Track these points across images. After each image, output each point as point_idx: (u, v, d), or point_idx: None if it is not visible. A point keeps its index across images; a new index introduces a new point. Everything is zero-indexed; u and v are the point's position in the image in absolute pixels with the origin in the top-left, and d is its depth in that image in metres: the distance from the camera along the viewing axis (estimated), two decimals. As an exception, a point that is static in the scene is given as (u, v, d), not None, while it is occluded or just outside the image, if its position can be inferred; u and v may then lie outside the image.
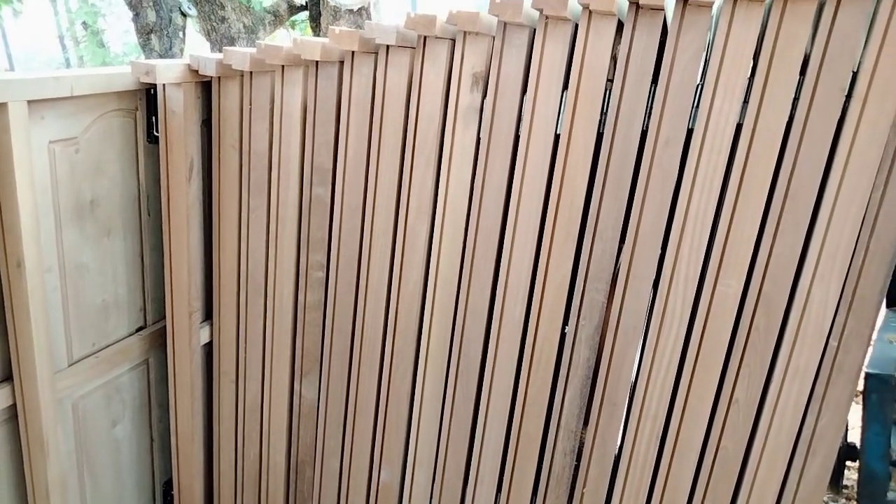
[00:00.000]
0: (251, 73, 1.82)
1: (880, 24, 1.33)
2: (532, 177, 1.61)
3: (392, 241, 1.79)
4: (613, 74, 1.51)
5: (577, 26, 1.52)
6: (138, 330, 2.00)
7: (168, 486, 2.19)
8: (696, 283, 1.53)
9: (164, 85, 1.82)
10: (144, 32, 4.50)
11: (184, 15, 4.63)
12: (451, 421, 1.82)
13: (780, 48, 1.38)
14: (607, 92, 1.52)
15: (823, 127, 1.40)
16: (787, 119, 1.42)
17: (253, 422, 2.07)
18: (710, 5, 1.41)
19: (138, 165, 1.91)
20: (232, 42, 4.73)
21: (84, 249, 1.78)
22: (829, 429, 1.52)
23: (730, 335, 1.54)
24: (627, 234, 1.56)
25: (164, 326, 2.01)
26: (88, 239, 1.79)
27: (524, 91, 1.59)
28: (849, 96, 1.38)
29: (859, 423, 1.72)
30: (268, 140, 1.86)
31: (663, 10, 1.46)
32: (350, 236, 1.83)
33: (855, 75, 1.38)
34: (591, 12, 1.48)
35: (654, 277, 1.57)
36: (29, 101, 1.54)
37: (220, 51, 2.03)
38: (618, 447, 1.70)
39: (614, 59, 1.52)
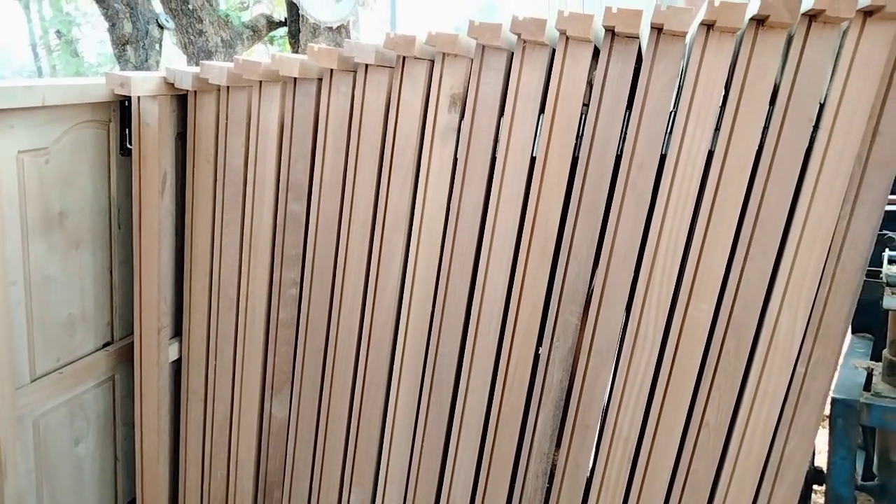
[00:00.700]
0: (228, 87, 1.81)
1: (845, 58, 1.37)
2: (508, 197, 1.62)
3: (367, 258, 1.78)
4: (589, 99, 1.54)
5: (554, 51, 1.55)
6: (105, 345, 1.95)
7: (131, 506, 2.13)
8: (669, 307, 1.55)
9: (138, 97, 1.79)
10: (120, 43, 4.46)
11: (161, 27, 4.60)
12: (423, 441, 1.81)
13: (751, 78, 1.42)
14: (583, 116, 1.55)
15: (791, 156, 1.43)
16: (757, 147, 1.45)
17: (221, 441, 2.03)
18: (683, 35, 1.44)
19: (110, 178, 1.88)
20: (209, 56, 4.70)
21: (51, 262, 1.74)
22: (796, 453, 1.54)
23: (701, 359, 1.55)
24: (601, 257, 1.57)
25: (132, 342, 1.97)
26: (56, 251, 1.75)
27: (501, 113, 1.61)
28: (816, 127, 1.42)
29: (826, 448, 1.75)
30: (243, 155, 1.84)
31: (638, 38, 1.49)
32: (325, 253, 1.82)
33: (822, 107, 1.42)
34: (568, 38, 1.50)
35: (627, 300, 1.58)
36: (-2, 110, 1.51)
37: (197, 64, 2.02)
38: (590, 470, 1.70)
39: (590, 84, 1.54)
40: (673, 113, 1.49)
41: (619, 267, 1.56)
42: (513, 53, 1.57)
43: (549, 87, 1.54)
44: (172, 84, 1.81)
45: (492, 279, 1.66)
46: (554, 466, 1.72)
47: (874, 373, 1.82)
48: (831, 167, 1.41)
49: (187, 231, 1.94)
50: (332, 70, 1.72)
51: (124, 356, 1.99)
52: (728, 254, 1.50)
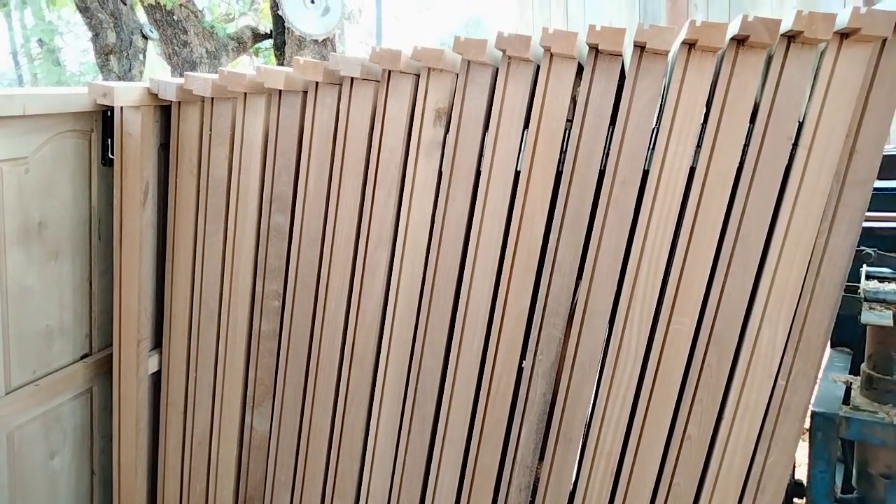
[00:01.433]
0: (212, 99, 1.80)
1: (823, 78, 1.40)
2: (492, 211, 1.62)
3: (351, 271, 1.78)
4: (573, 115, 1.55)
5: (538, 67, 1.56)
6: (83, 357, 1.92)
7: (107, 522, 2.09)
8: (651, 321, 1.56)
9: (121, 107, 1.78)
10: (103, 53, 4.43)
11: (145, 37, 4.58)
12: (406, 454, 1.80)
13: (732, 97, 1.44)
14: (567, 132, 1.56)
15: (771, 173, 1.46)
16: (737, 164, 1.47)
17: (200, 455, 2.00)
18: (665, 53, 1.46)
19: (91, 188, 1.86)
20: (193, 67, 4.69)
21: (29, 272, 1.72)
22: (777, 466, 1.55)
23: (683, 372, 1.56)
24: (584, 271, 1.58)
25: (111, 354, 1.94)
26: (34, 262, 1.73)
27: (486, 128, 1.62)
28: (795, 145, 1.45)
29: (806, 461, 1.76)
30: (227, 167, 1.83)
31: (621, 55, 1.51)
32: (308, 265, 1.81)
33: (801, 125, 1.44)
34: (552, 55, 1.52)
35: (610, 314, 1.59)
36: (-23, 119, 1.49)
37: (181, 75, 2.01)
38: (573, 483, 1.69)
39: (574, 100, 1.56)
40: (655, 130, 1.51)
41: (602, 281, 1.57)
42: (498, 69, 1.59)
43: (534, 103, 1.56)
44: (156, 95, 1.81)
45: (476, 293, 1.66)
46: (537, 480, 1.72)
47: (853, 386, 1.84)
48: (810, 184, 1.44)
49: (169, 242, 1.92)
50: (317, 83, 1.72)
51: (103, 368, 1.96)
52: (710, 269, 1.52)
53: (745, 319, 1.52)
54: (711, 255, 1.51)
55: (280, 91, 1.76)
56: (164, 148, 1.91)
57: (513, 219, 1.61)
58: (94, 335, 1.94)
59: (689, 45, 1.43)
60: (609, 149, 1.53)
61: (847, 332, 2.08)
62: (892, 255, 1.93)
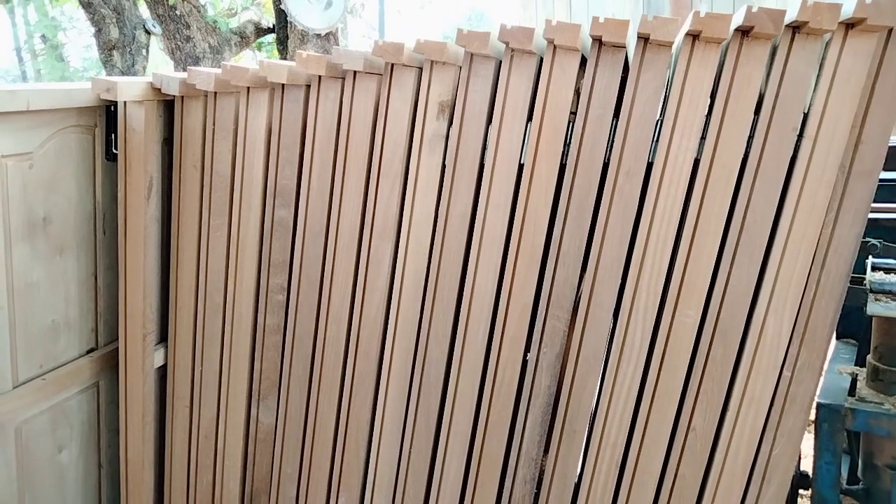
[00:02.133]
0: (216, 93, 1.80)
1: (828, 69, 1.39)
2: (496, 204, 1.62)
3: (355, 264, 1.78)
4: (577, 107, 1.55)
5: (542, 60, 1.56)
6: (89, 351, 1.93)
7: (115, 515, 2.10)
8: (656, 313, 1.56)
9: (125, 102, 1.78)
10: (107, 48, 4.44)
11: (148, 33, 4.58)
12: (411, 446, 1.80)
13: (736, 88, 1.44)
14: (570, 124, 1.56)
15: (776, 164, 1.45)
16: (742, 156, 1.47)
17: (207, 448, 2.01)
18: (669, 45, 1.46)
19: (95, 183, 1.86)
20: (196, 62, 4.69)
21: (35, 268, 1.73)
22: (783, 457, 1.55)
23: (688, 364, 1.56)
24: (589, 263, 1.58)
25: (117, 348, 1.95)
26: (40, 257, 1.74)
27: (489, 120, 1.62)
28: (800, 136, 1.44)
29: (812, 452, 1.76)
30: (230, 161, 1.84)
31: (625, 47, 1.50)
32: (312, 259, 1.81)
33: (806, 116, 1.44)
34: (555, 47, 1.51)
35: (614, 306, 1.59)
36: (-19, 115, 1.50)
37: (185, 70, 2.01)
38: (578, 475, 1.70)
39: (578, 92, 1.55)
40: (659, 121, 1.51)
41: (606, 273, 1.57)
42: (501, 62, 1.58)
43: (537, 96, 1.55)
44: (159, 89, 1.81)
45: (480, 286, 1.66)
46: (542, 472, 1.72)
47: (859, 378, 1.84)
48: (815, 175, 1.43)
49: (173, 237, 1.92)
50: (320, 77, 1.72)
51: (109, 362, 1.97)
52: (714, 260, 1.51)
53: (751, 311, 1.52)
54: (716, 247, 1.50)
55: (283, 85, 1.76)
56: (168, 143, 1.91)
57: (517, 211, 1.61)
58: (100, 329, 1.95)
59: (694, 36, 1.43)
60: (613, 141, 1.53)
61: (853, 324, 2.07)
62: (898, 246, 1.92)
